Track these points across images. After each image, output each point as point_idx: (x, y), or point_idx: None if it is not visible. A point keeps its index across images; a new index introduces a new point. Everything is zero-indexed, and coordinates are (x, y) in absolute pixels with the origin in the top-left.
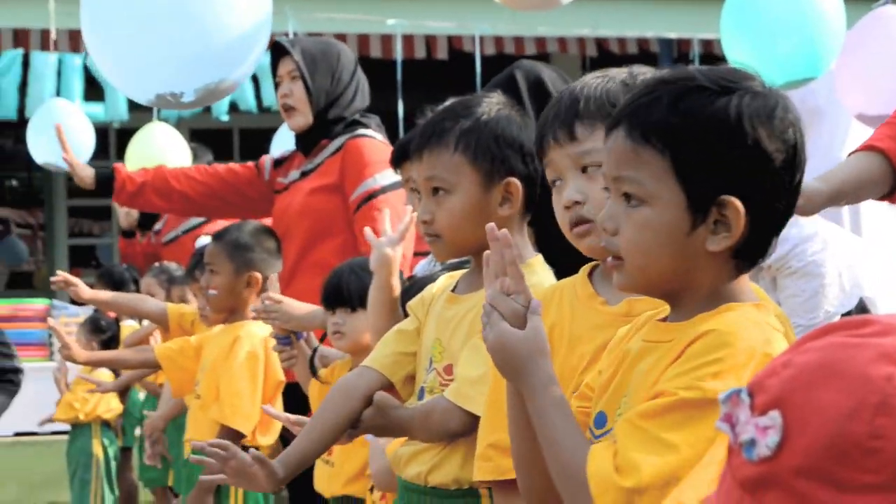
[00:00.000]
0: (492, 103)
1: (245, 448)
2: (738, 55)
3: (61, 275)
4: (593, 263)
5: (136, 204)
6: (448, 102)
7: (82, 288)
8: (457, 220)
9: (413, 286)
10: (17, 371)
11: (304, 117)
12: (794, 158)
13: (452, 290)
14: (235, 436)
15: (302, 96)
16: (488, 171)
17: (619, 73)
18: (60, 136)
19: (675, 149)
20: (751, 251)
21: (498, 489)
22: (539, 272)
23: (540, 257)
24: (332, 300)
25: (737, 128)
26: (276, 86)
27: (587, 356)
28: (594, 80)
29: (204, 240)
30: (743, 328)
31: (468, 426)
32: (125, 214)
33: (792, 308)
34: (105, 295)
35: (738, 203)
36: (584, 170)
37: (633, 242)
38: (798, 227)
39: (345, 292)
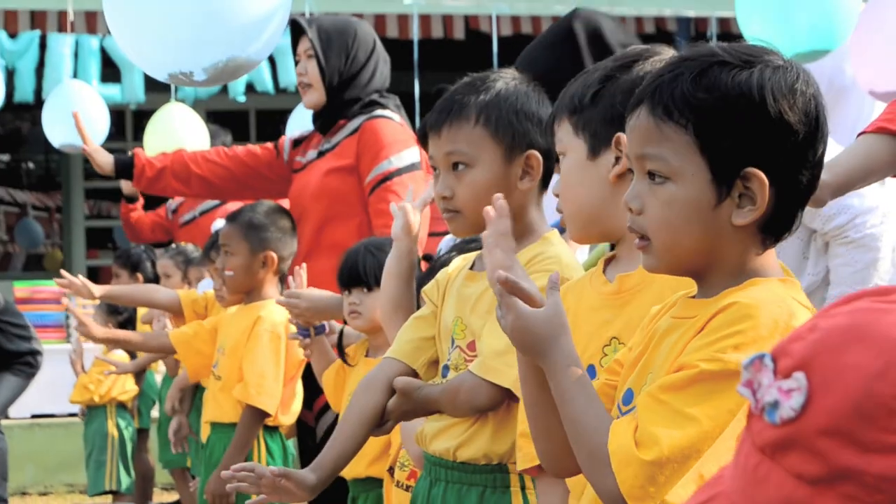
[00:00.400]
0: (508, 79)
1: (269, 428)
2: (753, 30)
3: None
4: (612, 254)
5: (156, 189)
6: (464, 79)
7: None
8: (479, 194)
9: (431, 270)
10: (36, 353)
11: (318, 95)
12: (817, 131)
13: (471, 268)
14: (260, 415)
15: (316, 74)
16: (510, 145)
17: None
18: (78, 125)
19: (699, 123)
20: (776, 225)
21: (541, 475)
22: (556, 244)
23: (555, 231)
24: (348, 280)
25: (759, 101)
26: (296, 64)
27: (583, 340)
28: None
29: (220, 223)
30: (766, 301)
31: (496, 399)
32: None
33: (842, 277)
34: (117, 290)
35: (762, 175)
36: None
37: (659, 220)
38: (860, 198)
39: (361, 272)
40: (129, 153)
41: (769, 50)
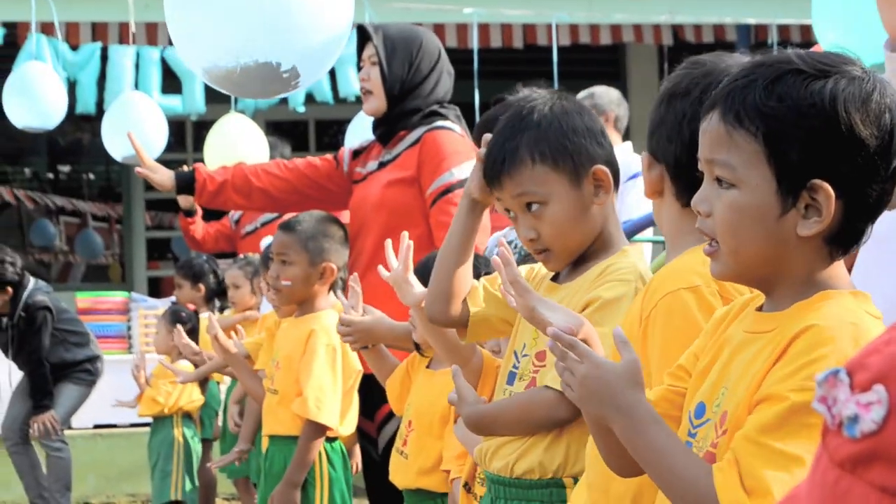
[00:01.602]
0: (540, 105)
1: (329, 439)
2: (830, 37)
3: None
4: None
5: (217, 203)
6: (500, 125)
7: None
8: (562, 228)
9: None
10: (94, 359)
11: (379, 102)
12: (891, 144)
13: (552, 279)
14: (321, 429)
15: (378, 81)
16: (573, 170)
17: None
18: (134, 145)
19: (768, 132)
20: (844, 237)
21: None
22: (632, 256)
23: (638, 246)
24: None
25: (831, 112)
26: (359, 69)
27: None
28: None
29: (267, 240)
30: (843, 321)
31: (575, 411)
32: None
33: None
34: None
35: (828, 188)
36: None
37: (724, 224)
38: None
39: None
40: (190, 168)
41: (848, 59)
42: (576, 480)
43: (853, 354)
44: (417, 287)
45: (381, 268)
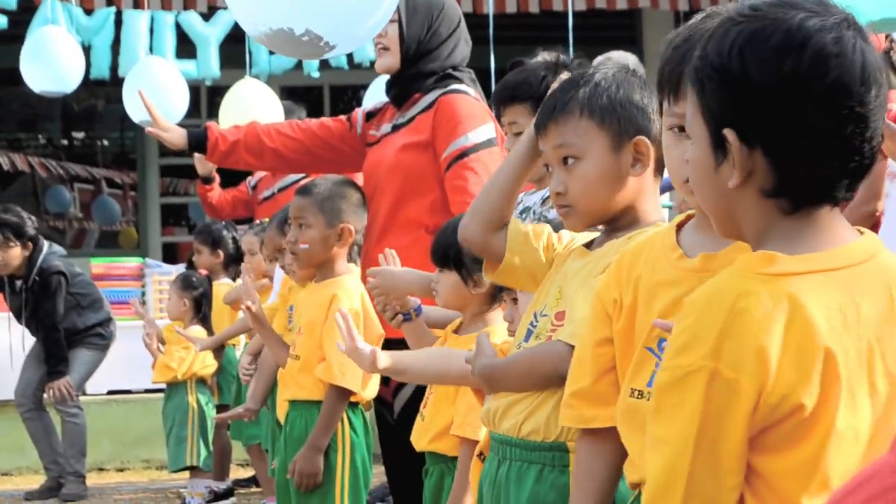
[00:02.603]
0: (608, 69)
1: (351, 404)
2: None
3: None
4: (689, 213)
5: (229, 162)
6: (563, 79)
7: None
8: (591, 187)
9: None
10: (106, 323)
11: (393, 60)
12: (802, 90)
13: (586, 246)
14: (345, 394)
15: (395, 38)
16: (616, 133)
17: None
18: (145, 102)
19: (699, 88)
20: (789, 189)
21: (580, 437)
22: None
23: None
24: (432, 257)
25: (725, 58)
26: None
27: (658, 312)
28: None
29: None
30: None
31: None
32: (200, 161)
33: None
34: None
35: (733, 136)
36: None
37: (692, 182)
38: None
39: (436, 251)
40: (202, 126)
41: (797, 3)
42: None
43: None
44: (364, 348)
45: (338, 342)
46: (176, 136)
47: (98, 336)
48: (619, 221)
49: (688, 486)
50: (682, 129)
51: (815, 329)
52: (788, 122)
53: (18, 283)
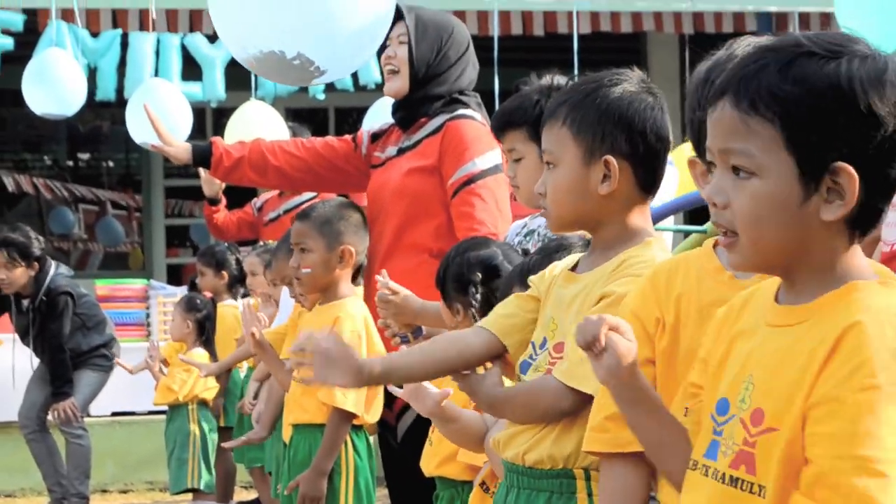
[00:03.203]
0: (623, 82)
1: (354, 427)
2: (853, 24)
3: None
4: (716, 238)
5: (233, 178)
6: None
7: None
8: (558, 194)
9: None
10: (109, 344)
11: (402, 83)
12: None
13: (571, 269)
14: (348, 417)
15: (404, 61)
16: (589, 147)
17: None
18: (151, 117)
19: (786, 116)
20: (864, 219)
21: (609, 462)
22: (654, 248)
23: (660, 237)
24: (436, 282)
25: (848, 92)
26: (385, 48)
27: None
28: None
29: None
30: (886, 313)
31: (580, 405)
32: (207, 182)
33: None
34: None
35: (851, 170)
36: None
37: (746, 215)
38: None
39: (437, 279)
40: (207, 142)
41: (855, 38)
42: (586, 472)
43: None
44: (431, 389)
45: (394, 389)
46: (180, 151)
47: (102, 357)
48: (602, 233)
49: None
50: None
51: None
52: (894, 153)
53: (25, 302)
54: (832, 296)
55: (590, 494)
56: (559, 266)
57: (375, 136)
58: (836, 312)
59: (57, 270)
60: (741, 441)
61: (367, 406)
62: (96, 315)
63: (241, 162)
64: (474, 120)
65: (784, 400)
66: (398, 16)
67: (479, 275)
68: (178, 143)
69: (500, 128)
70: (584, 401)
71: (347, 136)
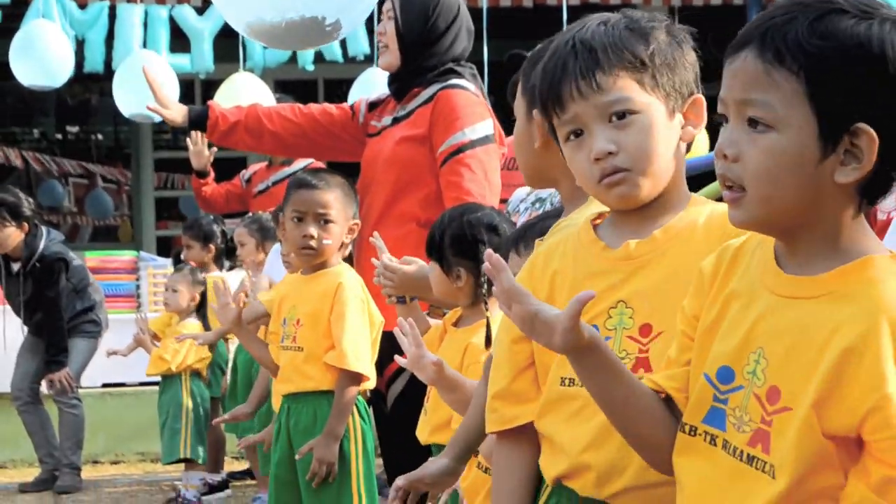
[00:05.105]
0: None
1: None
2: None
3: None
4: (600, 212)
5: (229, 142)
6: None
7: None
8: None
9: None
10: (95, 308)
11: (393, 57)
12: None
13: None
14: (358, 379)
15: (393, 36)
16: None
17: (616, 18)
18: (148, 78)
19: (812, 71)
20: (875, 187)
21: (499, 440)
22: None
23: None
24: (427, 248)
25: (879, 54)
26: (378, 23)
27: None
28: (599, 27)
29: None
30: None
31: None
32: (196, 155)
33: None
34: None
35: (872, 132)
36: (611, 119)
37: (760, 169)
38: None
39: (429, 242)
40: (205, 106)
41: (884, 3)
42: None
43: None
44: (429, 357)
45: (397, 357)
46: (177, 114)
47: (91, 323)
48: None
49: None
50: (577, 133)
51: None
52: None
53: (15, 266)
54: (848, 270)
55: None
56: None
57: (373, 105)
58: (859, 293)
59: (49, 237)
60: (759, 419)
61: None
62: (84, 279)
63: (237, 126)
64: (467, 90)
65: (800, 380)
66: None
67: (485, 234)
68: (175, 104)
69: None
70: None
71: (346, 105)
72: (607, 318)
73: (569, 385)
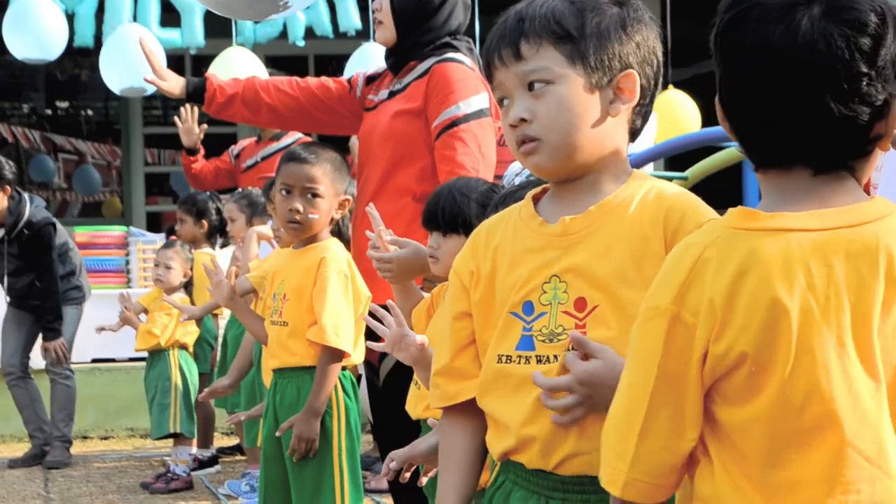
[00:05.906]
0: None
1: (342, 368)
2: None
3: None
4: (542, 188)
5: (226, 114)
6: None
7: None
8: None
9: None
10: (72, 274)
11: (388, 33)
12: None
13: None
14: (339, 355)
15: (388, 11)
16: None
17: None
18: (144, 49)
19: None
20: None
21: (443, 418)
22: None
23: None
24: (428, 221)
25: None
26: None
27: (523, 277)
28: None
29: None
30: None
31: None
32: (185, 132)
33: None
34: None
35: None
36: (529, 88)
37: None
38: None
39: (438, 214)
40: (203, 78)
41: None
42: None
43: None
44: (411, 337)
45: (370, 343)
46: (174, 86)
47: (76, 289)
48: None
49: (644, 426)
50: (504, 101)
51: (767, 283)
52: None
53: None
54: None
55: None
56: None
57: (371, 79)
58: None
59: (35, 203)
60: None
61: (353, 345)
62: (66, 243)
63: (235, 98)
64: (462, 64)
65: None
66: None
67: (475, 208)
68: (172, 76)
69: None
70: None
71: (343, 78)
72: (542, 293)
73: (505, 362)
